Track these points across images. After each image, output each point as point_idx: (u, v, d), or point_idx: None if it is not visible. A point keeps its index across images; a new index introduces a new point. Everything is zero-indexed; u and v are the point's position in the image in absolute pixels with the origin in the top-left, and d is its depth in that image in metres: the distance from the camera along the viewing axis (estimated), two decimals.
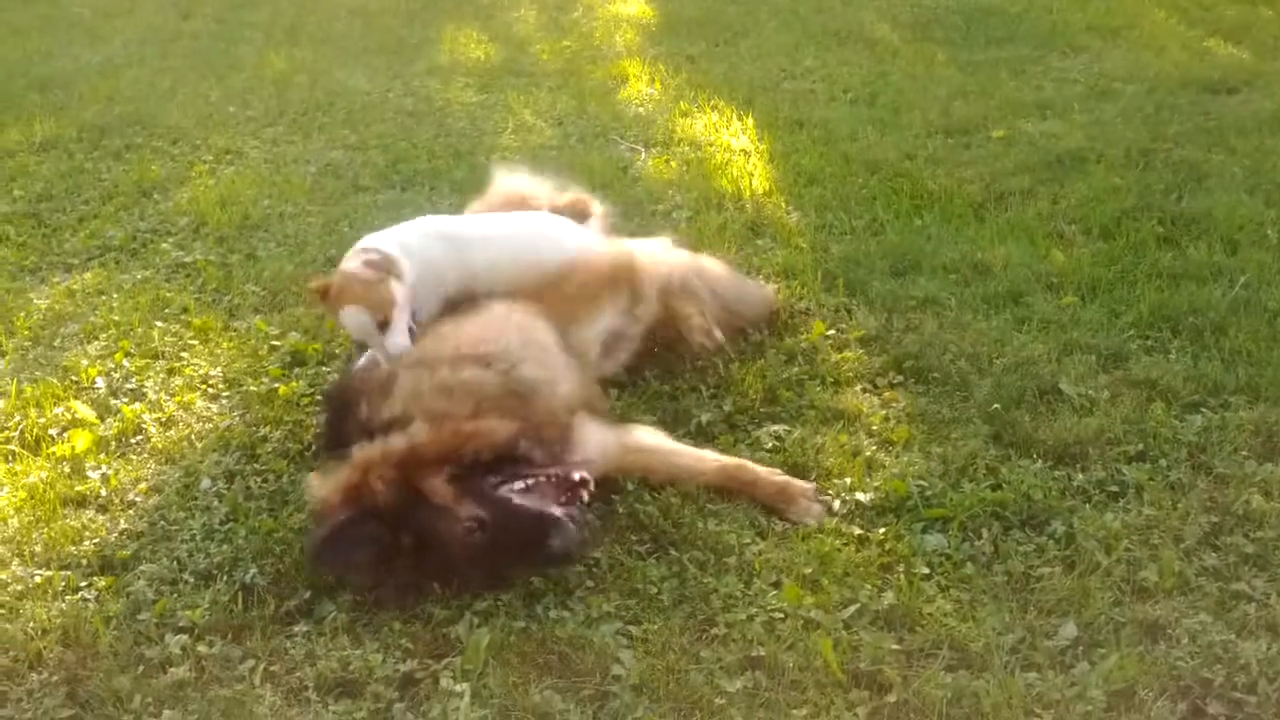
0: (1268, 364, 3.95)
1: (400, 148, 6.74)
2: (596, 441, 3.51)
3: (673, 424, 3.80)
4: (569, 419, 3.49)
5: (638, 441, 3.61)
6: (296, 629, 3.02)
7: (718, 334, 4.15)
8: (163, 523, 3.47)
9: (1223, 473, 3.44)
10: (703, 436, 3.76)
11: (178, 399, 4.11)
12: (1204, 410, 3.74)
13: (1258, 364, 3.96)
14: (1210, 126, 6.41)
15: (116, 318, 4.71)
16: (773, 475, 3.49)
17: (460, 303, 3.93)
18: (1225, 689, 2.68)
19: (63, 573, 3.25)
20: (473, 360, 3.53)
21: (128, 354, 4.42)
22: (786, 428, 3.77)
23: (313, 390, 4.11)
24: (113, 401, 4.12)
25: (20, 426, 3.96)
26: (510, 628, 2.96)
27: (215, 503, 3.55)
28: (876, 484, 3.47)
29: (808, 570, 3.12)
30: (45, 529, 3.44)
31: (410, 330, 3.78)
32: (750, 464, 3.54)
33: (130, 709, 2.78)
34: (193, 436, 3.90)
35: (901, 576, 3.08)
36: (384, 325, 3.74)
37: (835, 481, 3.49)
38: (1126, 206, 5.31)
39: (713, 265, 4.50)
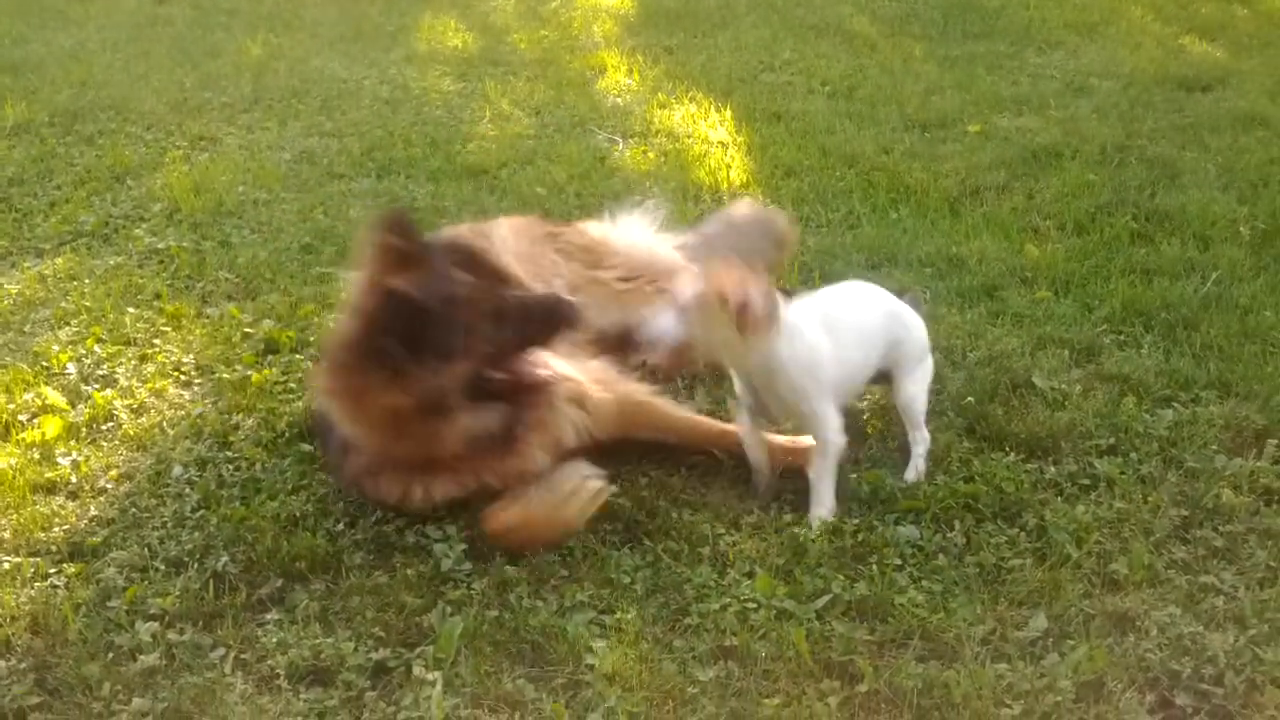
0: (1238, 359, 3.98)
1: (376, 135, 6.71)
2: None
3: None
4: None
5: (643, 394, 3.63)
6: (268, 617, 3.01)
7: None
8: (133, 510, 3.45)
9: (1193, 467, 3.46)
10: None
11: (149, 386, 4.08)
12: (1175, 405, 3.77)
13: (1229, 359, 3.99)
14: (1184, 123, 6.47)
15: (88, 303, 4.68)
16: (778, 438, 3.50)
17: None
18: (1193, 680, 2.70)
19: (32, 559, 3.22)
20: None
21: (99, 340, 4.39)
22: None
23: (286, 378, 4.09)
24: (84, 388, 4.08)
25: None
26: (483, 617, 2.95)
27: (187, 490, 3.52)
28: (851, 475, 3.48)
29: (781, 561, 3.13)
30: (14, 515, 3.41)
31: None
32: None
33: (100, 696, 2.75)
34: (164, 423, 3.88)
35: (874, 567, 3.09)
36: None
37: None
38: (1101, 202, 5.35)
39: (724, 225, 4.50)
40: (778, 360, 3.26)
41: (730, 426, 3.58)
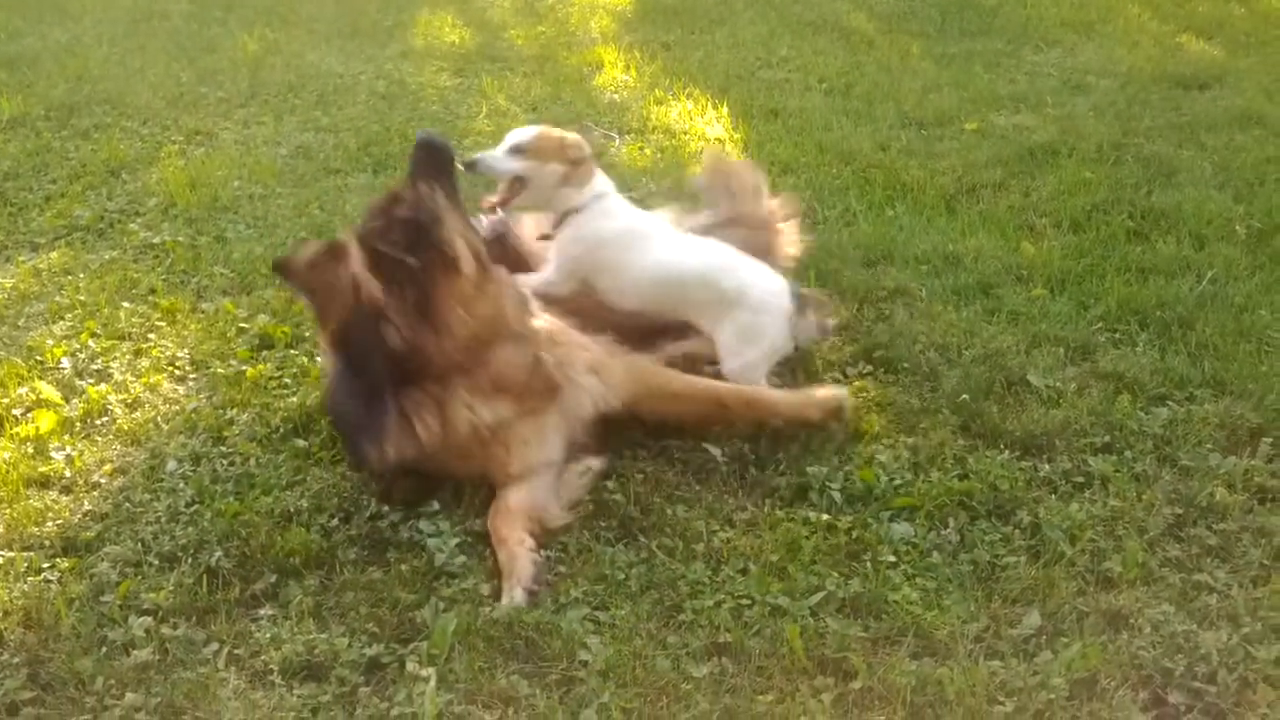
0: (1233, 358, 3.99)
1: (372, 131, 6.70)
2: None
3: None
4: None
5: (652, 361, 3.76)
6: (261, 612, 3.01)
7: None
8: (127, 505, 3.44)
9: (1187, 465, 3.47)
10: None
11: (144, 380, 4.08)
12: (1170, 403, 3.77)
13: (1223, 358, 3.99)
14: (1181, 122, 6.46)
15: (83, 298, 4.67)
16: (791, 394, 3.69)
17: None
18: (1186, 678, 2.71)
19: (25, 554, 3.22)
20: None
21: (94, 334, 4.38)
22: None
23: (280, 373, 4.09)
24: (78, 382, 4.08)
25: None
26: (477, 613, 2.95)
27: (181, 485, 3.52)
28: (845, 472, 3.48)
29: (775, 557, 3.13)
30: (8, 510, 3.41)
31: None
32: (766, 389, 3.70)
33: (92, 691, 2.75)
34: (159, 418, 3.87)
35: (868, 564, 3.09)
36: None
37: (809, 470, 3.48)
38: (1097, 200, 5.34)
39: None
40: (570, 205, 3.81)
41: (744, 388, 3.67)
